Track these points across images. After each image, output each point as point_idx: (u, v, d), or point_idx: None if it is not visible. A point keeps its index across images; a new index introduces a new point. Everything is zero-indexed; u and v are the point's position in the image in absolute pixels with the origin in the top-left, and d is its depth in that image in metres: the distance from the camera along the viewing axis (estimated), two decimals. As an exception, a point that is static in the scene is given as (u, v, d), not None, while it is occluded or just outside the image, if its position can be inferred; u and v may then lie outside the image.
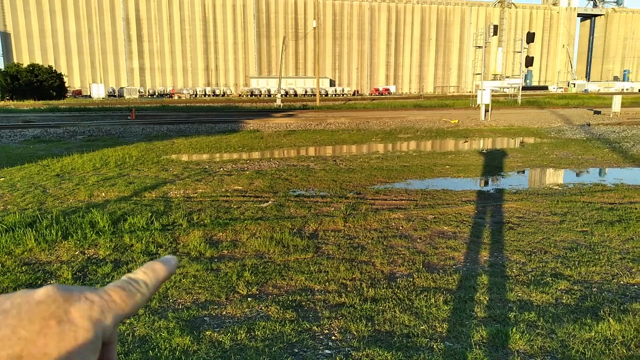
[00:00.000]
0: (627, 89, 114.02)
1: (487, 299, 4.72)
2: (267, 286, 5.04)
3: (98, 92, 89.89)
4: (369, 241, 6.53)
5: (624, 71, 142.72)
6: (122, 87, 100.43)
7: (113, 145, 17.34)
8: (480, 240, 6.61)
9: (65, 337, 0.35)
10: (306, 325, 4.17)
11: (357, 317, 4.32)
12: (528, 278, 5.30)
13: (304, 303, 4.62)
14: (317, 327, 4.15)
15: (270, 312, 4.43)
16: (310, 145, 18.17)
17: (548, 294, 4.85)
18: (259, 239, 6.45)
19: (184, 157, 14.96)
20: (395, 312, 4.41)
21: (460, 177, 11.52)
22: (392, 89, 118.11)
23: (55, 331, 0.35)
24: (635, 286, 5.06)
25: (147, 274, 0.44)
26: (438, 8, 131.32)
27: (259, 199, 8.98)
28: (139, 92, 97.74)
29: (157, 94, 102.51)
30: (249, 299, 4.73)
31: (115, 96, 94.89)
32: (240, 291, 4.89)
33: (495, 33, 46.54)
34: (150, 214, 7.57)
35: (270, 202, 8.68)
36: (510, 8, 79.58)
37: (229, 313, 4.44)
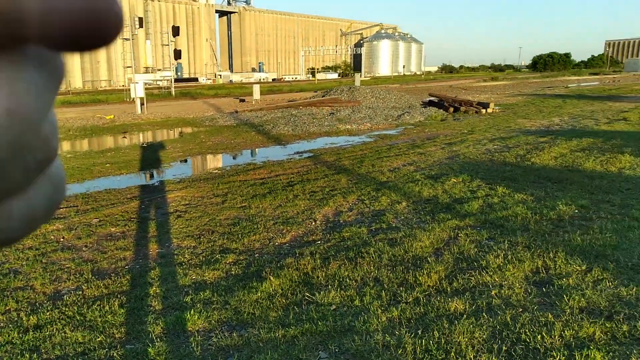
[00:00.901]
0: (263, 79, 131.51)
1: (164, 289, 4.73)
2: None
3: None
4: (24, 263, 5.63)
5: (259, 63, 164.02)
6: None
7: None
8: (151, 235, 6.56)
9: None
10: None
11: (17, 353, 3.67)
12: (200, 260, 5.55)
13: (-63, 358, 3.65)
14: (-39, 382, 3.34)
15: None
16: None
17: (219, 269, 5.20)
18: None
19: None
20: (65, 332, 3.95)
21: (124, 174, 11.12)
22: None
23: None
24: (287, 244, 5.93)
25: None
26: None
27: None
28: None
29: None
30: None
31: None
32: None
33: (141, 25, 46.26)
34: None
35: None
36: (153, 1, 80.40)
37: None
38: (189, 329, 3.91)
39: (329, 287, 4.48)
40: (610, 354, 3.19)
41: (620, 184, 7.87)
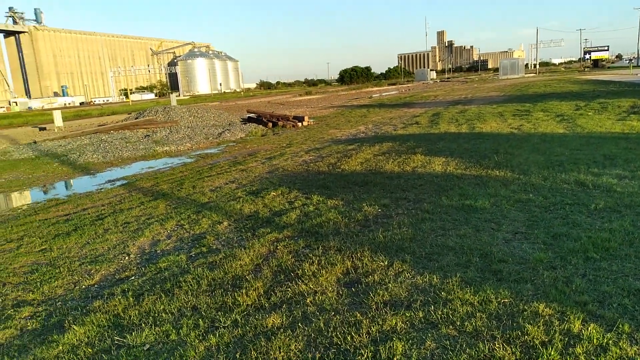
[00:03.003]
0: (69, 103, 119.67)
1: None
2: None
3: None
4: None
5: (62, 87, 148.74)
6: None
7: None
8: None
9: None
10: None
11: None
12: (-14, 320, 4.73)
13: None
14: None
15: None
16: None
17: (11, 327, 4.49)
18: None
19: None
20: None
21: None
22: None
23: None
24: (96, 285, 5.38)
25: None
26: None
27: None
28: None
29: None
30: None
31: None
32: None
33: None
34: None
35: None
36: None
37: None
38: (-33, 409, 3.27)
39: (143, 325, 4.16)
40: (410, 341, 3.50)
41: (414, 182, 8.87)
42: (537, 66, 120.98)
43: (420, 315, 3.86)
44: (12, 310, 4.90)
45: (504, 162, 9.94)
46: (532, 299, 3.97)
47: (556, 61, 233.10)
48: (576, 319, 3.61)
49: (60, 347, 3.95)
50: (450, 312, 3.85)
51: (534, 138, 13.14)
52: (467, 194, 7.57)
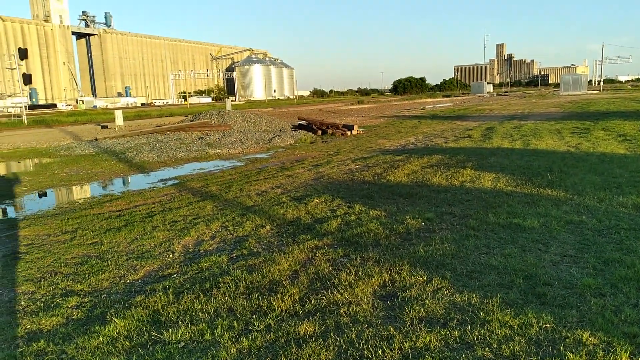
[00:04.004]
0: (131, 104, 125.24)
1: (-14, 346, 4.14)
2: None
3: None
4: None
5: (126, 87, 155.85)
6: None
7: None
8: (-22, 282, 5.75)
9: None
10: None
11: None
12: (37, 306, 4.99)
13: None
14: None
15: None
16: None
17: (58, 315, 4.71)
18: None
19: None
20: None
21: (-47, 215, 9.70)
22: None
23: None
24: (139, 281, 5.57)
25: None
26: None
27: None
28: None
29: None
30: None
31: None
32: None
33: (-19, 47, 41.48)
34: None
35: None
36: (-4, 20, 72.43)
37: None
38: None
39: (180, 323, 4.26)
40: (442, 360, 3.41)
41: (461, 196, 8.66)
42: (601, 83, 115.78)
43: (456, 335, 3.75)
44: (60, 299, 5.14)
45: (558, 181, 9.55)
46: (577, 326, 3.78)
47: (622, 78, 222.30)
48: (623, 351, 3.40)
49: (101, 339, 4.10)
50: (488, 334, 3.72)
51: (592, 157, 12.56)
52: (516, 212, 7.31)
